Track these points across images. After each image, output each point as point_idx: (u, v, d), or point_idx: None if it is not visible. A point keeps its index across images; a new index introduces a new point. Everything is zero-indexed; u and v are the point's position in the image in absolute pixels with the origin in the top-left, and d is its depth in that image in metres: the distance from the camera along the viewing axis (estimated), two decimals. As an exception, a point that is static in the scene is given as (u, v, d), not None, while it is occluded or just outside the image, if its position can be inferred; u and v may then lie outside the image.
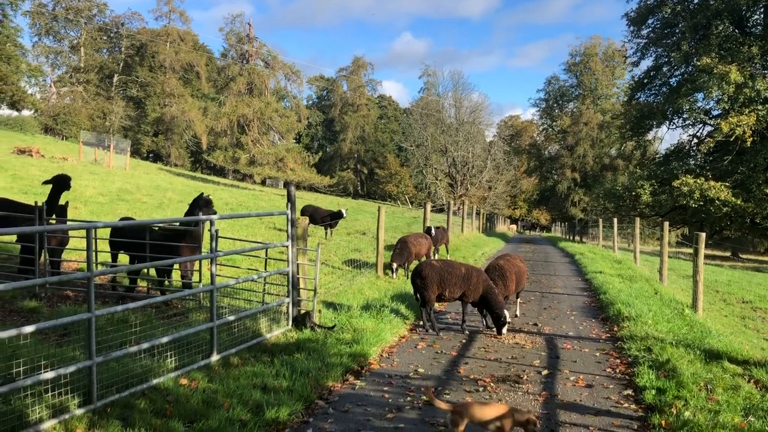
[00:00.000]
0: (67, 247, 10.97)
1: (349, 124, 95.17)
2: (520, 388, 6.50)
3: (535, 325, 9.95)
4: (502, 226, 62.40)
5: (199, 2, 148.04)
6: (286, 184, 10.63)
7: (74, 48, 76.58)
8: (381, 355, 7.72)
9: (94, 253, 5.70)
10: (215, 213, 9.93)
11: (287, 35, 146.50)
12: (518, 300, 11.02)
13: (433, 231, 16.97)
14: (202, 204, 10.06)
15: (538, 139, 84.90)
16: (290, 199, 8.62)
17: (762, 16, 38.40)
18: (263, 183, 70.42)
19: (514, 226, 73.91)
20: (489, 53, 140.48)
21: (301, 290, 8.77)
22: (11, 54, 61.78)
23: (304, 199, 41.28)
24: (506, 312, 8.96)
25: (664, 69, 41.87)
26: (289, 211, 8.53)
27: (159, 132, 76.45)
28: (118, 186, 26.27)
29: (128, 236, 9.84)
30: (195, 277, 10.38)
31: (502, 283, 9.60)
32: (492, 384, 6.59)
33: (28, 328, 5.14)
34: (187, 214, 10.45)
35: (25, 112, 65.51)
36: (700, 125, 41.44)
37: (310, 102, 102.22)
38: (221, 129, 61.94)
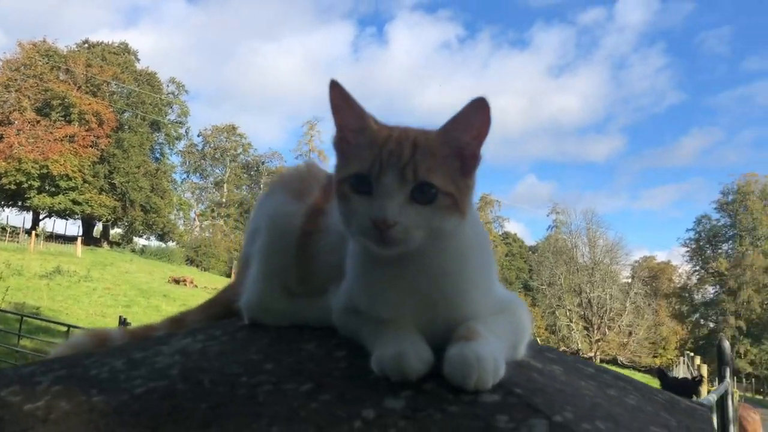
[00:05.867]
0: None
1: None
2: None
3: None
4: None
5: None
6: None
7: (218, 184, 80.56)
8: None
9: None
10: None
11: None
12: None
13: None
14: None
15: (689, 282, 77.53)
16: None
17: None
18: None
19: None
20: (614, 195, 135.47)
21: None
22: (166, 188, 65.49)
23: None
24: None
25: None
26: None
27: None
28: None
29: None
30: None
31: None
32: None
33: None
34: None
35: (170, 244, 68.03)
36: None
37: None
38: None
